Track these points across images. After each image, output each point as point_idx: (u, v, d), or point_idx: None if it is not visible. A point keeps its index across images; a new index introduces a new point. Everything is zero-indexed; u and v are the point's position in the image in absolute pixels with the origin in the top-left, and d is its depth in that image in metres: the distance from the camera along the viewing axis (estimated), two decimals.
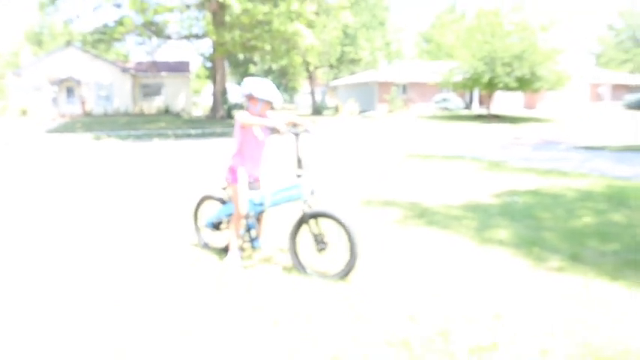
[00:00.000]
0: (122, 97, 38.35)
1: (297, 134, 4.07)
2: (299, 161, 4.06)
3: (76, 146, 16.32)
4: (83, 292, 3.53)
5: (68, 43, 39.34)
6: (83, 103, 38.49)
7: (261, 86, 4.16)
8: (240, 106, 50.15)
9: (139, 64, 39.26)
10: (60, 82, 38.21)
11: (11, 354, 2.71)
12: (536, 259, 4.36)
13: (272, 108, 4.25)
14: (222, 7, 24.91)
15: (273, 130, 3.95)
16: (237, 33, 25.04)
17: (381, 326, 3.06)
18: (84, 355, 2.69)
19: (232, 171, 4.27)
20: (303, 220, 4.04)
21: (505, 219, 5.78)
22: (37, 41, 62.16)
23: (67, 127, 26.16)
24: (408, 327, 3.04)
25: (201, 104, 51.36)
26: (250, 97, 4.17)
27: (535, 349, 2.78)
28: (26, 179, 9.20)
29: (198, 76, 59.71)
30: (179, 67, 40.19)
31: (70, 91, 38.74)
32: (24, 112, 37.31)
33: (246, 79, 4.28)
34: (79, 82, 38.35)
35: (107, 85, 38.46)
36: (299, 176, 4.05)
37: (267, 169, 4.47)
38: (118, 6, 26.74)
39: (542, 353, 2.74)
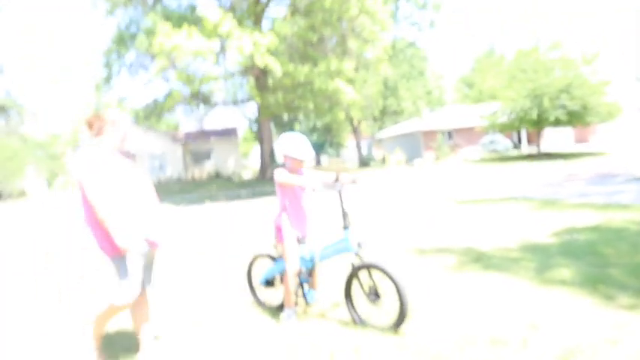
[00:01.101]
0: (174, 164, 39.83)
1: (340, 189, 4.10)
2: (344, 215, 4.07)
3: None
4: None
5: None
6: None
7: (292, 143, 4.18)
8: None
9: (188, 133, 40.94)
10: None
11: None
12: (603, 297, 4.13)
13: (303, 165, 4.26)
14: (264, 72, 25.84)
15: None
16: (280, 95, 25.80)
17: None
18: None
19: (279, 229, 4.32)
20: (353, 272, 4.02)
21: (566, 258, 5.54)
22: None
23: None
24: None
25: (250, 166, 52.57)
26: (284, 155, 4.23)
27: None
28: None
29: (245, 139, 61.45)
30: (227, 133, 41.59)
31: None
32: None
33: (281, 136, 4.32)
34: (133, 155, 40.19)
35: (160, 155, 40.13)
36: (345, 229, 4.06)
37: (314, 224, 4.48)
38: (167, 80, 28.16)
39: None
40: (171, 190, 28.61)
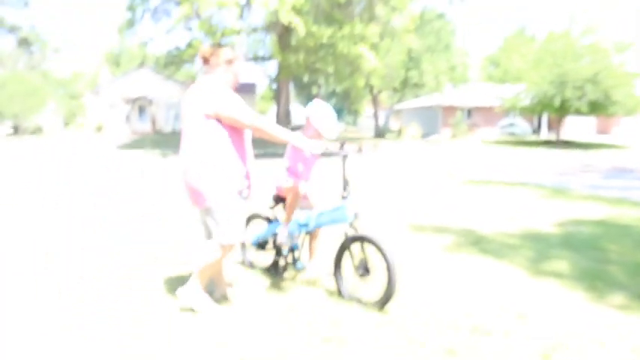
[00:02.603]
0: None
1: (345, 156, 3.98)
2: (345, 184, 3.97)
3: (143, 162, 16.90)
4: None
5: (142, 65, 41.43)
6: (153, 121, 40.23)
7: (322, 114, 4.11)
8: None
9: None
10: (133, 101, 40.21)
11: None
12: (598, 294, 4.01)
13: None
14: (288, 30, 25.40)
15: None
16: (301, 55, 25.41)
17: (417, 358, 2.87)
18: None
19: (280, 190, 4.26)
20: (346, 243, 3.92)
21: (566, 250, 5.41)
22: (116, 62, 65.91)
23: (138, 144, 27.31)
24: None
25: None
26: (308, 120, 4.16)
27: None
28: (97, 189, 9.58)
29: (263, 98, 61.11)
30: (245, 89, 41.28)
31: (142, 110, 40.69)
32: (99, 129, 39.48)
33: (314, 101, 4.28)
34: (150, 102, 40.22)
35: (176, 104, 40.06)
36: (344, 198, 3.95)
37: (319, 189, 4.39)
38: (189, 29, 27.81)
39: None
40: None
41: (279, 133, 3.47)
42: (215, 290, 3.83)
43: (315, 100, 4.36)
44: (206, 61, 3.51)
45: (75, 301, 3.14)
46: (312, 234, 4.47)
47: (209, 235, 3.56)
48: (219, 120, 3.32)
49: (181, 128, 3.53)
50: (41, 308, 3.06)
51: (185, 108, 3.46)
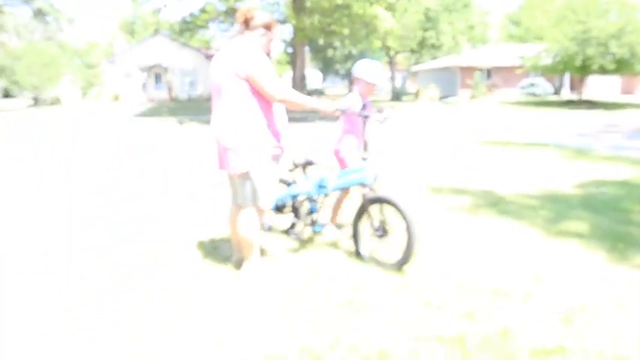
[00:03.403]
0: (206, 82, 39.66)
1: (366, 117, 3.95)
2: (365, 145, 3.95)
3: (160, 130, 16.98)
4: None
5: (156, 32, 41.19)
6: (169, 88, 40.24)
7: (365, 67, 4.28)
8: (319, 92, 50.42)
9: None
10: (149, 69, 40.19)
11: None
12: (619, 255, 3.96)
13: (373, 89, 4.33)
14: None
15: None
16: (316, 18, 24.96)
17: (434, 322, 2.88)
18: None
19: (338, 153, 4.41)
20: (365, 205, 3.91)
21: (587, 211, 5.33)
22: (130, 31, 65.61)
23: (154, 112, 27.38)
24: (463, 324, 2.83)
25: None
26: (356, 78, 4.32)
27: (608, 356, 2.50)
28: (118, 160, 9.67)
29: (279, 62, 60.52)
30: None
31: (158, 77, 40.68)
32: (116, 98, 39.65)
33: (358, 62, 4.43)
34: (166, 69, 40.15)
35: (192, 72, 39.97)
36: (364, 160, 3.93)
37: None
38: None
39: None
40: (202, 108, 28.62)
41: (305, 101, 3.44)
42: (234, 254, 3.87)
43: (360, 61, 4.52)
44: (246, 22, 3.40)
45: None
46: (340, 196, 4.52)
47: (238, 199, 3.56)
48: (250, 84, 3.27)
49: (212, 90, 3.48)
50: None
51: (217, 69, 3.38)
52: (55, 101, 38.73)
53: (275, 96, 3.27)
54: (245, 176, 3.40)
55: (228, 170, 3.44)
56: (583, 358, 2.48)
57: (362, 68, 4.29)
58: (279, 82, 3.29)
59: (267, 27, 3.46)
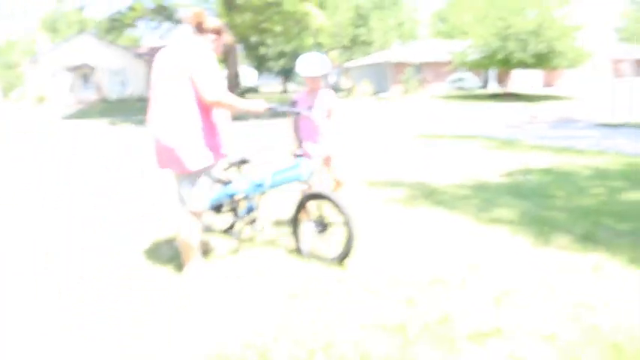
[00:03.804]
0: (136, 82, 38.51)
1: (297, 113, 3.96)
2: (299, 141, 3.95)
3: (92, 132, 16.35)
4: None
5: (81, 30, 39.54)
6: (99, 89, 38.75)
7: (301, 63, 4.29)
8: (254, 90, 50.09)
9: (152, 48, 39.29)
10: (75, 69, 38.50)
11: None
12: (545, 238, 4.17)
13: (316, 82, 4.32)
14: None
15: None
16: (248, 15, 24.82)
17: (376, 310, 2.93)
18: None
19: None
20: (302, 201, 3.92)
21: (515, 198, 5.59)
22: (53, 28, 62.59)
23: (84, 114, 26.33)
24: (404, 311, 2.90)
25: None
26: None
27: (539, 334, 2.63)
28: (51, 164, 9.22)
29: None
30: None
31: (85, 78, 39.07)
32: (41, 99, 37.71)
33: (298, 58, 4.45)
34: (93, 69, 38.60)
35: (121, 71, 38.63)
36: (298, 156, 3.93)
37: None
38: None
39: (546, 339, 2.58)
40: (133, 109, 27.74)
41: (237, 104, 3.40)
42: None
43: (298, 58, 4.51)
44: (198, 26, 3.38)
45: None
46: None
47: (182, 201, 3.50)
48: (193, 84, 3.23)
49: (152, 88, 3.40)
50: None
51: (161, 67, 3.32)
52: None
53: (207, 97, 3.21)
54: (183, 177, 3.36)
55: (172, 169, 3.39)
56: (516, 338, 2.60)
57: (298, 65, 4.29)
58: (215, 85, 3.23)
59: (218, 32, 3.47)
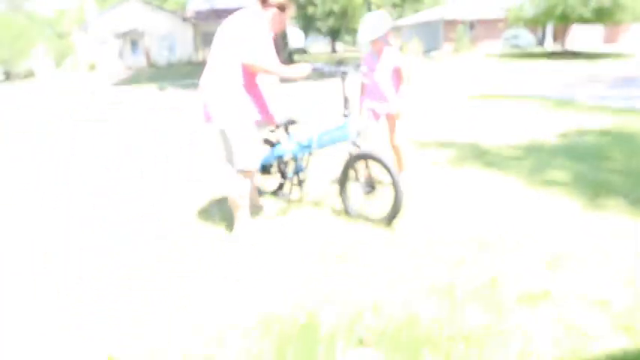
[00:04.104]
0: (184, 46, 38.84)
1: (344, 73, 3.90)
2: (345, 102, 3.90)
3: (141, 98, 16.70)
4: None
5: None
6: (147, 54, 39.34)
7: (363, 26, 4.28)
8: (302, 50, 49.61)
9: (199, 12, 39.40)
10: (124, 35, 39.13)
11: None
12: (600, 202, 4.02)
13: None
14: None
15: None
16: None
17: (424, 273, 2.93)
18: None
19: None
20: (350, 162, 3.91)
21: (570, 160, 5.39)
22: None
23: (133, 80, 26.87)
24: (452, 274, 2.90)
25: None
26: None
27: (591, 299, 2.57)
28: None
29: None
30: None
31: (134, 44, 39.68)
32: (92, 67, 38.66)
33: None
34: (142, 34, 39.12)
35: (168, 35, 39.00)
36: (345, 116, 3.90)
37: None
38: None
39: (598, 304, 2.52)
40: (181, 73, 28.13)
41: (280, 71, 3.44)
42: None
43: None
44: (263, 0, 3.44)
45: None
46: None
47: (230, 161, 3.58)
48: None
49: (210, 54, 3.57)
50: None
51: (219, 36, 3.45)
52: (29, 74, 37.76)
53: (244, 60, 3.28)
54: (225, 135, 3.46)
55: (215, 123, 3.48)
56: (567, 303, 2.55)
57: (360, 28, 4.28)
58: (256, 51, 3.27)
59: (282, 7, 3.50)
